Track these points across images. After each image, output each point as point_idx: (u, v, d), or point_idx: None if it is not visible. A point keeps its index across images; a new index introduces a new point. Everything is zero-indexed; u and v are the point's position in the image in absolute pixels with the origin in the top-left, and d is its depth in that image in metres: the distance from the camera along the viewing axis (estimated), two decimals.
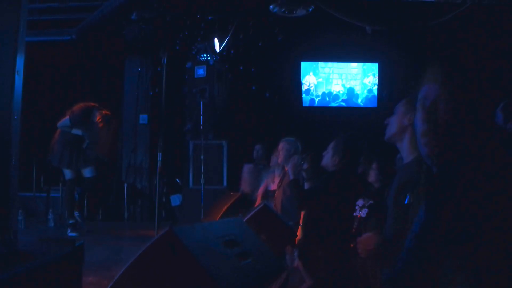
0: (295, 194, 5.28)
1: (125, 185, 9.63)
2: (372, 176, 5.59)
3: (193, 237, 2.58)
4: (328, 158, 5.25)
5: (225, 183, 9.14)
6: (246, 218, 5.53)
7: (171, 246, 2.40)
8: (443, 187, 1.78)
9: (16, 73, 3.37)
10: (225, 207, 7.54)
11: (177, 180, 10.09)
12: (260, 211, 5.54)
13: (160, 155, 5.87)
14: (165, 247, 2.45)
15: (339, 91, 10.71)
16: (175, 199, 9.77)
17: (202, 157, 8.84)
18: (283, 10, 8.40)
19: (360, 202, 5.59)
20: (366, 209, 5.58)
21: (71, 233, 7.25)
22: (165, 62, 5.92)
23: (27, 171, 9.69)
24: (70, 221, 7.40)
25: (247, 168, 8.15)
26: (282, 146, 6.47)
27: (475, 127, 1.82)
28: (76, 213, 7.51)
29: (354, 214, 5.32)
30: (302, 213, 5.84)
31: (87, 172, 7.61)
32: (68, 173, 7.55)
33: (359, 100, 10.73)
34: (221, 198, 7.97)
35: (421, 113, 1.93)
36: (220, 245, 2.75)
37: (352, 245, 5.30)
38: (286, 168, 6.55)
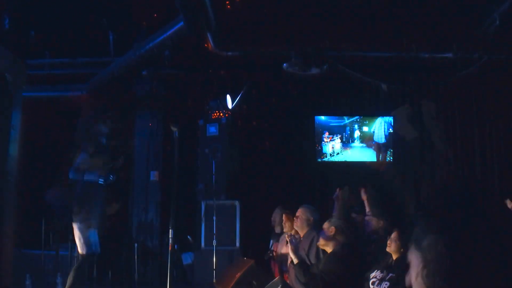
0: (304, 278, 5.16)
1: (136, 244, 9.39)
2: (392, 246, 5.37)
3: None
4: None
5: (238, 243, 8.90)
6: None
7: None
8: None
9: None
10: (238, 275, 7.34)
11: (189, 236, 9.87)
12: None
13: (171, 232, 5.63)
14: None
15: (353, 145, 10.51)
16: (187, 257, 9.55)
17: (214, 217, 8.67)
18: (296, 69, 8.29)
19: (378, 274, 5.37)
20: (387, 283, 5.35)
21: None
22: (176, 135, 5.73)
23: (35, 228, 9.54)
24: None
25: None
26: (301, 212, 6.29)
27: None
28: None
29: (372, 287, 5.13)
30: None
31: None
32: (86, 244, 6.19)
33: (375, 154, 10.51)
34: (234, 264, 7.76)
35: None
36: None
37: None
38: (301, 235, 6.38)
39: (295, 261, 5.29)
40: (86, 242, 6.24)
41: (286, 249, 6.70)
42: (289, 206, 7.15)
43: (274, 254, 7.10)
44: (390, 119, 10.46)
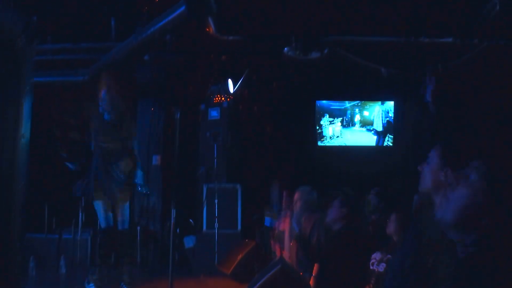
0: (306, 249, 5.26)
1: (138, 228, 9.47)
2: (390, 228, 5.44)
3: None
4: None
5: (239, 227, 8.99)
6: (263, 280, 5.43)
7: None
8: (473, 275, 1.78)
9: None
10: (239, 256, 7.43)
11: (191, 220, 9.94)
12: (276, 272, 5.45)
13: (174, 212, 5.74)
14: None
15: (354, 129, 10.58)
16: (189, 241, 9.61)
17: (216, 201, 8.75)
18: (297, 53, 8.32)
19: (377, 255, 5.46)
20: (383, 264, 5.44)
21: None
22: (178, 116, 5.82)
23: (39, 212, 9.60)
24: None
25: None
26: (299, 196, 6.36)
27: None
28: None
29: (372, 268, 5.21)
30: (316, 265, 5.75)
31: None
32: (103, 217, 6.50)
33: (375, 139, 10.58)
34: (236, 246, 7.86)
35: (466, 191, 1.96)
36: None
37: None
38: (303, 217, 6.46)
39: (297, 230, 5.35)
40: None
41: (282, 225, 6.82)
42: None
43: (275, 232, 7.20)
44: (388, 107, 10.51)
